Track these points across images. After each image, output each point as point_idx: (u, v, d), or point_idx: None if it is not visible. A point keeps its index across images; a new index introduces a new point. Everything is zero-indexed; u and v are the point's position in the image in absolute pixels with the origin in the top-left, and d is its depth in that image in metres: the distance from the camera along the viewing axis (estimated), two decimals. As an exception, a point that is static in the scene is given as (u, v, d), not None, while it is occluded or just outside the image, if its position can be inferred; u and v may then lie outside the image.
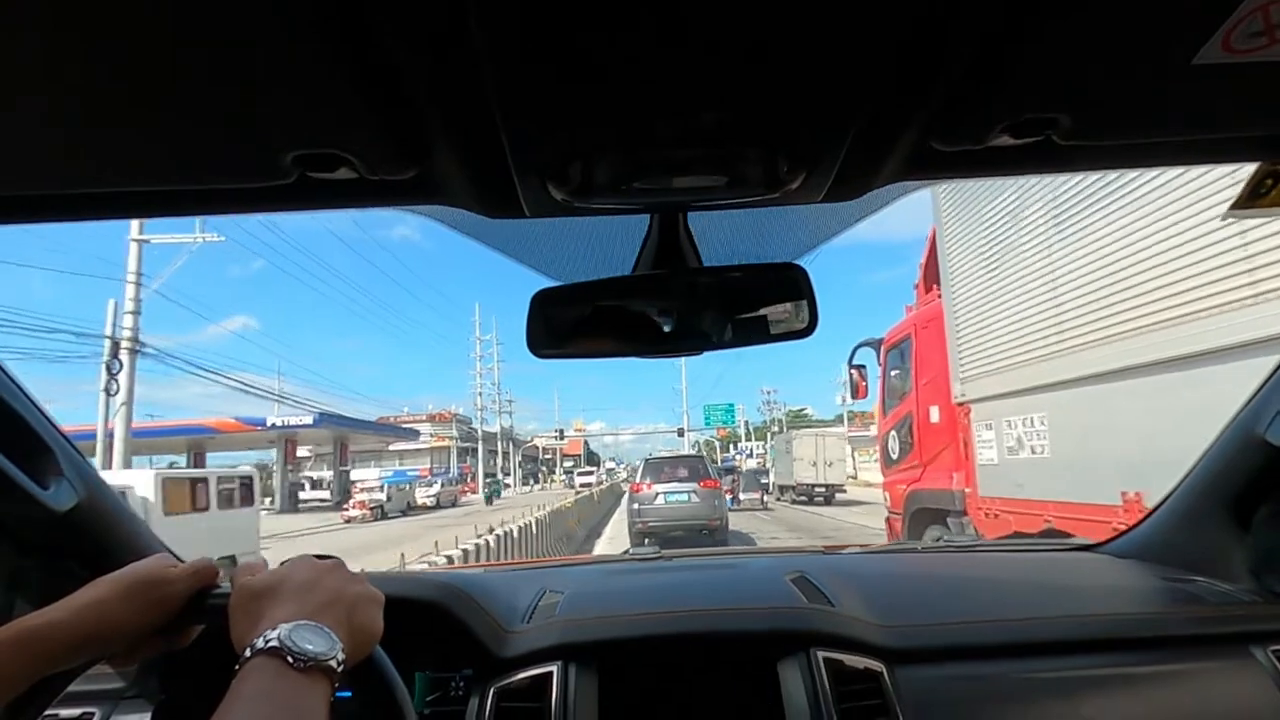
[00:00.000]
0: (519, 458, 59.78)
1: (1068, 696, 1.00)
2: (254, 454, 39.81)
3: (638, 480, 13.55)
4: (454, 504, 35.67)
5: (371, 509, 26.98)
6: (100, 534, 1.00)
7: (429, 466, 52.82)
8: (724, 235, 0.92)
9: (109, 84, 0.52)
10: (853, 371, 7.54)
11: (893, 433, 7.04)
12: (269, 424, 29.52)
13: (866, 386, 7.55)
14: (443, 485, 37.16)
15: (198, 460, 32.50)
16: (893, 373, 7.18)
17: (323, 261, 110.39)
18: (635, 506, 13.01)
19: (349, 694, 1.00)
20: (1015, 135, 0.65)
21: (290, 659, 0.52)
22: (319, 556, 0.67)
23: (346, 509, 27.48)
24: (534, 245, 0.96)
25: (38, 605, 0.59)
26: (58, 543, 0.95)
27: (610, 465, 78.80)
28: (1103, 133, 0.67)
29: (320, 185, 0.68)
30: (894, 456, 7.04)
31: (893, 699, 0.97)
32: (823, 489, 25.45)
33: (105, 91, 0.53)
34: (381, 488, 30.15)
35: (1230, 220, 3.18)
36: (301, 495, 35.24)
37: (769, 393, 63.99)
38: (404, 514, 28.11)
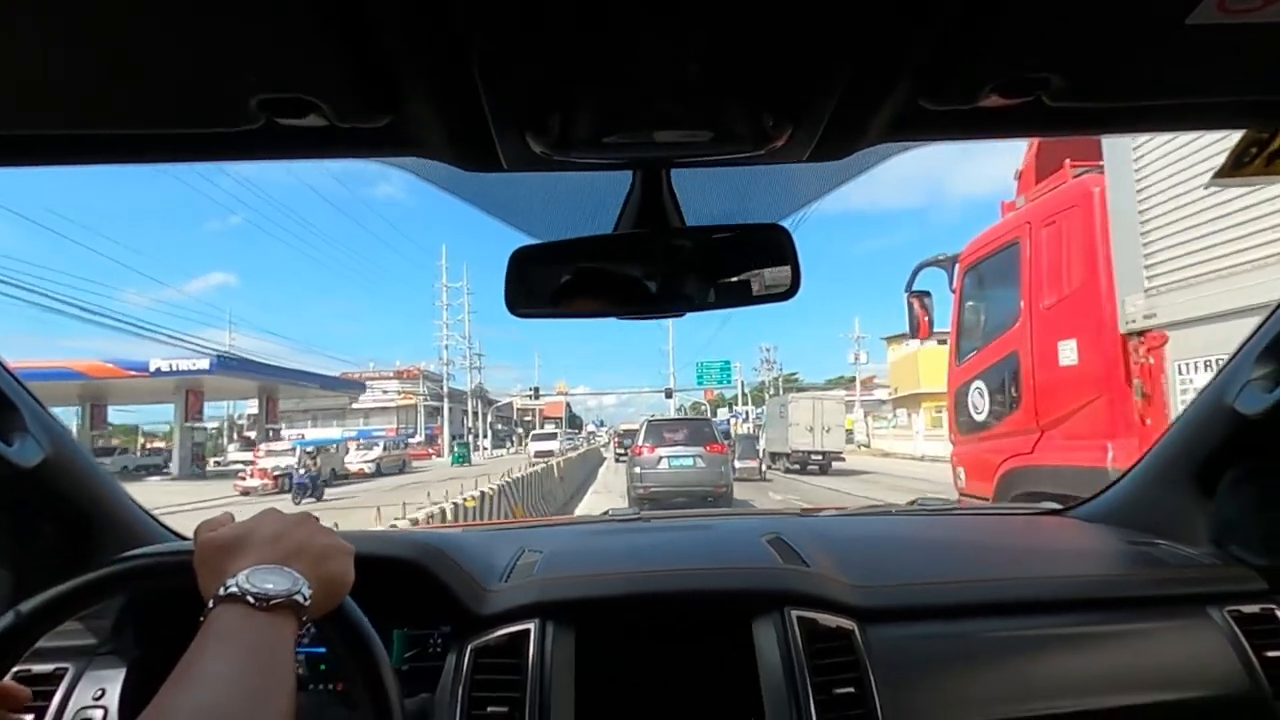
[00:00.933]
0: (491, 418, 53.06)
1: (1031, 654, 1.04)
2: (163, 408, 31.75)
3: (639, 443, 12.91)
4: (401, 470, 29.96)
5: (276, 478, 20.63)
6: (69, 491, 1.00)
7: (395, 426, 47.83)
8: (707, 196, 0.91)
9: (61, 16, 0.49)
10: (913, 301, 5.46)
11: (976, 384, 5.01)
12: (153, 369, 24.19)
13: (930, 320, 5.45)
14: (385, 449, 30.38)
15: (96, 416, 28.32)
16: (973, 303, 5.29)
17: (304, 219, 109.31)
18: (637, 470, 12.49)
19: (323, 649, 1.02)
20: (1005, 95, 0.64)
21: (251, 600, 0.52)
22: None
23: (244, 477, 21.85)
24: (514, 202, 0.95)
25: (6, 563, 0.61)
26: (25, 499, 0.95)
27: (591, 429, 74.77)
28: (1093, 94, 0.65)
29: (289, 133, 0.66)
30: (978, 417, 4.98)
31: (864, 656, 1.00)
32: (819, 457, 23.23)
33: (57, 24, 0.50)
34: (292, 450, 22.49)
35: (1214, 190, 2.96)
36: (232, 456, 30.81)
37: (768, 350, 55.55)
38: (327, 484, 20.71)
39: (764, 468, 20.66)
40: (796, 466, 23.21)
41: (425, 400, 51.69)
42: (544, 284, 0.88)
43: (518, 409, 68.99)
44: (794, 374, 68.88)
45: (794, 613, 1.02)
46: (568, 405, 73.09)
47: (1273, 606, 1.09)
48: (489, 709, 0.96)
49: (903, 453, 31.83)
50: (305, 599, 0.55)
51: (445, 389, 47.21)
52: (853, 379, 49.58)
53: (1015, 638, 1.05)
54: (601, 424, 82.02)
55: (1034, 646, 1.05)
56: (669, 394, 44.07)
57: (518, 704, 0.95)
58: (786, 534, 1.28)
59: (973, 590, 1.11)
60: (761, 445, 24.55)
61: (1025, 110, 0.66)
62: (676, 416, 17.94)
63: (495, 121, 0.65)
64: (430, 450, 43.43)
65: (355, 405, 47.97)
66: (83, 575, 0.66)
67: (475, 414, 49.57)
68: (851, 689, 0.97)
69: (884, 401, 42.74)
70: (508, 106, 0.63)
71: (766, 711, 0.97)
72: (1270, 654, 1.04)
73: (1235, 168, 0.89)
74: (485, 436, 48.12)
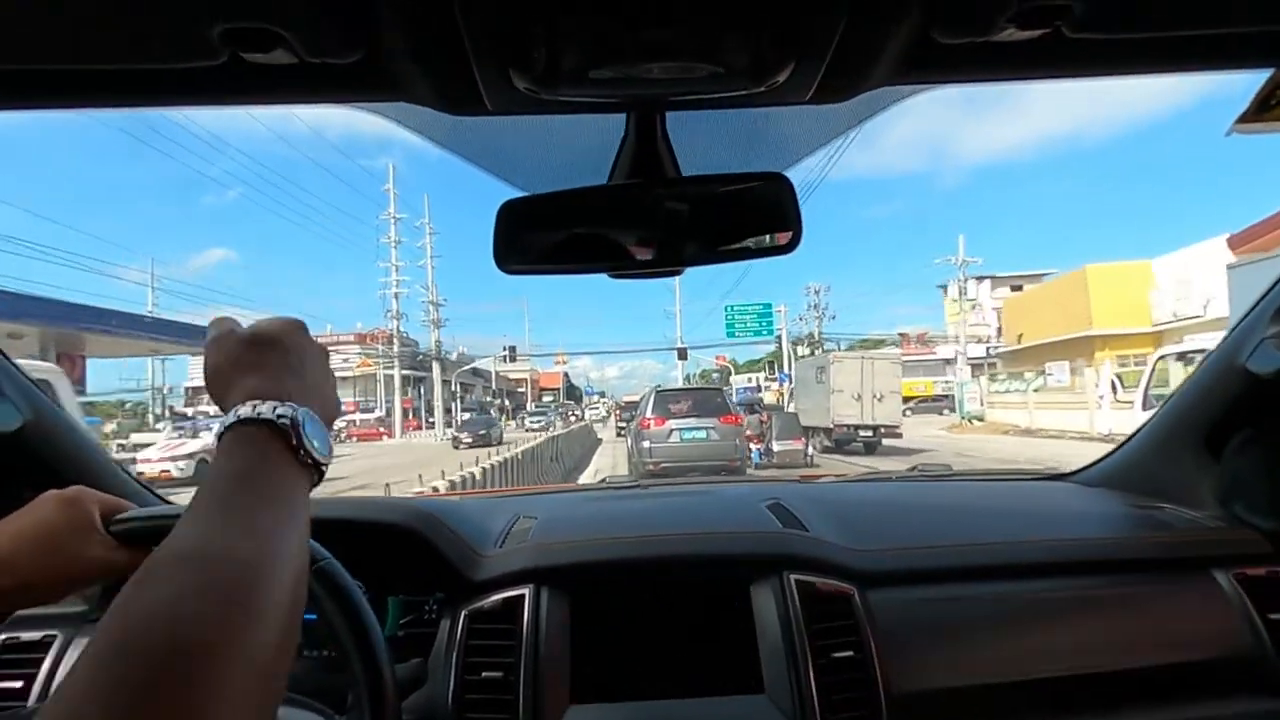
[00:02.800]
0: (456, 387, 43.21)
1: (1031, 617, 1.03)
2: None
3: (645, 415, 12.01)
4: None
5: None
6: (51, 455, 0.99)
7: (354, 400, 40.65)
8: (705, 144, 0.87)
9: None
10: None
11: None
12: None
13: None
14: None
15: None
16: None
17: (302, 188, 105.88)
18: (645, 444, 11.47)
19: (313, 616, 1.08)
20: (1022, 26, 0.60)
21: (296, 447, 0.47)
22: None
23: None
24: (501, 152, 0.91)
25: None
26: (6, 464, 0.94)
27: (591, 401, 67.13)
28: (1115, 24, 0.61)
29: (257, 72, 0.62)
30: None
31: (863, 620, 0.98)
32: (869, 433, 17.65)
33: None
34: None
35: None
36: (137, 440, 19.05)
37: (817, 292, 40.12)
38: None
39: (809, 449, 14.89)
40: (832, 444, 17.92)
41: (381, 367, 40.60)
42: (534, 238, 0.84)
43: (511, 379, 60.95)
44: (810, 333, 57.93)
45: (792, 577, 1.01)
46: (566, 376, 69.06)
47: (1278, 569, 1.08)
48: (483, 674, 0.95)
49: (1050, 427, 20.18)
50: (324, 468, 0.49)
51: (396, 345, 37.86)
52: (898, 338, 41.93)
53: (1016, 601, 1.04)
54: (602, 395, 75.05)
55: (1035, 610, 1.04)
56: (682, 354, 35.32)
57: (512, 668, 0.95)
58: (786, 499, 1.27)
59: (973, 554, 1.10)
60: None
61: (1043, 45, 0.62)
62: (685, 386, 16.74)
63: (476, 55, 0.61)
64: (383, 430, 36.61)
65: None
66: None
67: (452, 384, 40.22)
68: (851, 653, 0.96)
69: (985, 358, 32.93)
70: (488, 37, 0.59)
71: (764, 676, 0.96)
72: (1274, 616, 1.03)
73: (1260, 112, 0.84)
74: (454, 410, 38.41)
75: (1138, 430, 1.41)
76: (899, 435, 18.32)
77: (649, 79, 0.67)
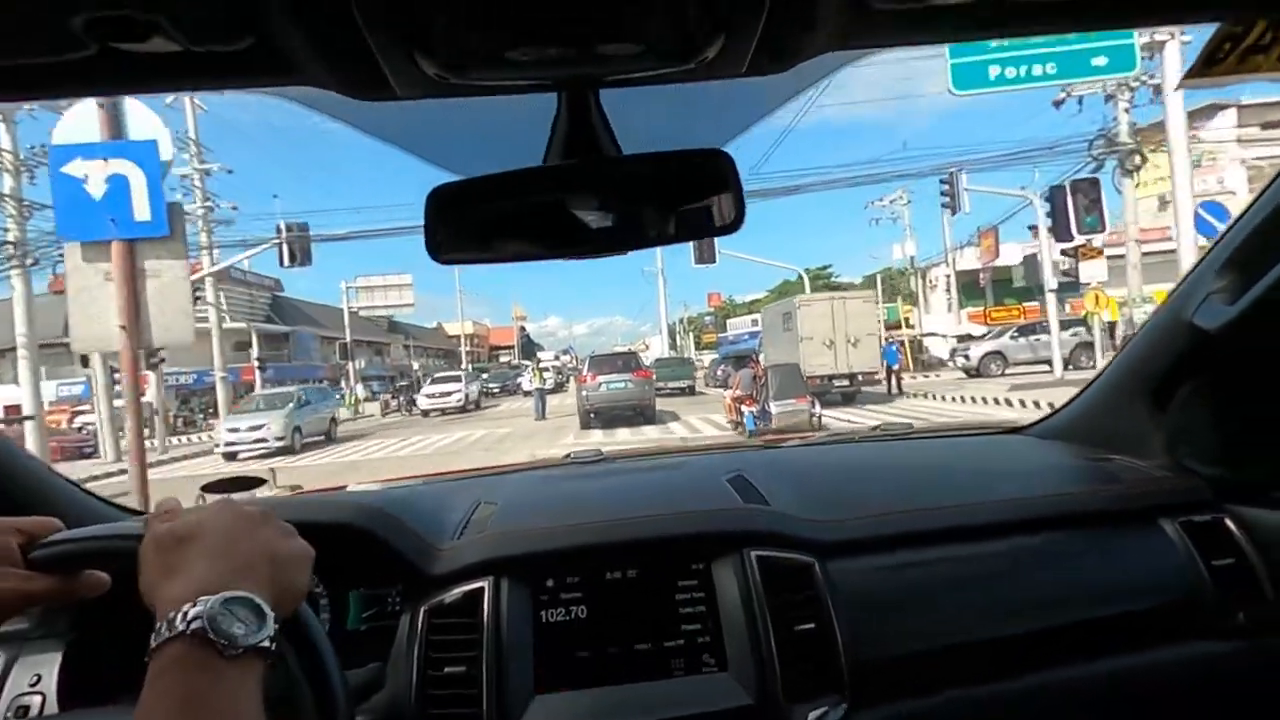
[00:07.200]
0: (334, 349, 30.38)
1: (990, 577, 1.06)
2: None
3: (584, 373, 17.27)
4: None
5: None
6: None
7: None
8: (643, 121, 0.82)
9: None
10: None
11: None
12: None
13: None
14: None
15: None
16: None
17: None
18: (584, 394, 16.75)
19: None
20: None
21: (220, 646, 0.45)
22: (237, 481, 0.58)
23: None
24: (426, 135, 0.86)
25: None
26: None
27: (548, 359, 49.69)
28: None
29: (137, 61, 0.56)
30: None
31: (824, 591, 0.99)
32: (845, 382, 16.21)
33: None
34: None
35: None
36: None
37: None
38: None
39: (815, 409, 12.03)
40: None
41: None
42: (467, 224, 0.80)
43: (448, 336, 49.33)
44: (826, 267, 47.30)
45: (753, 553, 1.01)
46: (523, 330, 62.78)
47: (1222, 515, 1.12)
48: (446, 669, 0.94)
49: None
50: (273, 643, 0.48)
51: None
52: (902, 271, 32.86)
53: (974, 562, 1.06)
54: (567, 351, 62.77)
55: (992, 570, 1.06)
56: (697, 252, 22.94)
57: (474, 662, 0.94)
58: (748, 471, 1.27)
59: (930, 518, 1.11)
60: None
61: (984, 6, 0.59)
62: (610, 352, 20.88)
63: (375, 40, 0.55)
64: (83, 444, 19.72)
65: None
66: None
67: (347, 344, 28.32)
68: (812, 625, 0.97)
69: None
70: (385, 20, 0.54)
71: (727, 654, 0.97)
72: (1217, 562, 1.07)
73: (1207, 65, 0.84)
74: (351, 379, 28.39)
75: (1090, 382, 1.44)
76: (878, 383, 17.32)
77: (569, 60, 0.63)
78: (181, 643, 0.45)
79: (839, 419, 13.74)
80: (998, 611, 1.03)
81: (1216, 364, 1.15)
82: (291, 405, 17.03)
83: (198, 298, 19.14)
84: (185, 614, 0.46)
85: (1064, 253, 15.54)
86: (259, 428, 15.80)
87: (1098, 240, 14.60)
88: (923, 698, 0.98)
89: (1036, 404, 12.27)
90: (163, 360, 15.73)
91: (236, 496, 1.26)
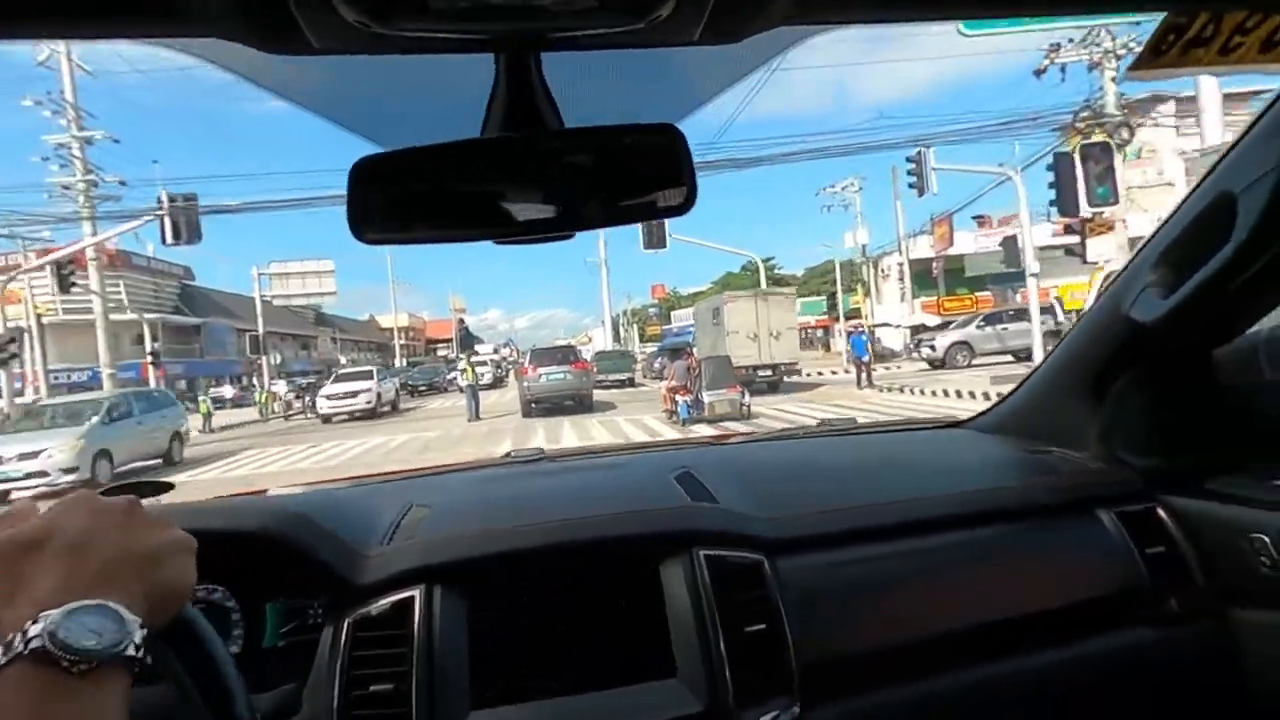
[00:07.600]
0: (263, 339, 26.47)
1: (937, 572, 1.06)
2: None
3: (525, 365, 18.53)
4: None
5: None
6: None
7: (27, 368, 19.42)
8: (591, 90, 0.77)
9: None
10: None
11: None
12: None
13: None
14: None
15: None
16: None
17: None
18: (525, 385, 17.76)
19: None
20: None
21: (66, 662, 0.39)
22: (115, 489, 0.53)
23: None
24: (351, 100, 0.78)
25: None
26: None
27: (487, 352, 46.90)
28: None
29: (24, 4, 0.48)
30: None
31: (774, 589, 0.96)
32: (768, 372, 17.37)
33: None
34: None
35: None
36: None
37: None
38: None
39: (745, 400, 12.90)
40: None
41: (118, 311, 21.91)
42: (395, 202, 0.73)
43: (381, 328, 46.16)
44: (770, 259, 45.79)
45: (702, 552, 0.97)
46: (462, 323, 59.75)
47: (1154, 505, 1.15)
48: (371, 688, 0.86)
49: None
50: (138, 649, 0.42)
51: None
52: (852, 260, 32.02)
53: (920, 556, 1.06)
54: (507, 344, 60.39)
55: (938, 565, 1.06)
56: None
57: (404, 678, 0.86)
58: (696, 468, 1.23)
59: (877, 514, 1.10)
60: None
61: None
62: (549, 346, 21.49)
63: None
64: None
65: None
66: None
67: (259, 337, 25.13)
68: (762, 625, 0.93)
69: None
70: None
71: (676, 658, 0.93)
72: (1150, 551, 1.10)
73: (1153, 56, 0.84)
74: (263, 376, 25.42)
75: (1029, 375, 1.47)
76: (798, 373, 19.33)
77: (506, 11, 0.56)
78: (22, 664, 0.40)
79: (833, 413, 12.98)
80: (944, 607, 1.03)
81: (1150, 357, 1.18)
82: (95, 420, 11.86)
83: (76, 284, 16.72)
84: (25, 633, 0.40)
85: (1068, 229, 14.44)
86: (33, 456, 10.67)
87: (1108, 213, 13.03)
88: (872, 695, 0.97)
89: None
90: (14, 355, 13.90)
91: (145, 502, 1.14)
